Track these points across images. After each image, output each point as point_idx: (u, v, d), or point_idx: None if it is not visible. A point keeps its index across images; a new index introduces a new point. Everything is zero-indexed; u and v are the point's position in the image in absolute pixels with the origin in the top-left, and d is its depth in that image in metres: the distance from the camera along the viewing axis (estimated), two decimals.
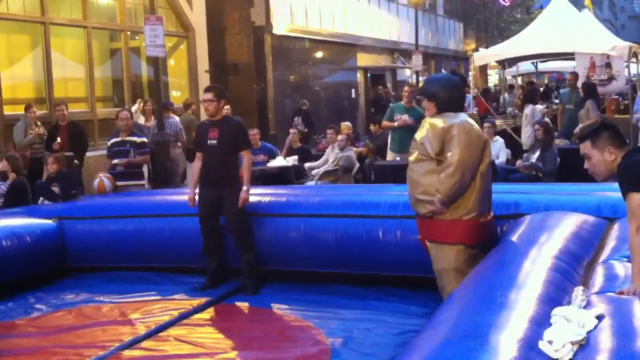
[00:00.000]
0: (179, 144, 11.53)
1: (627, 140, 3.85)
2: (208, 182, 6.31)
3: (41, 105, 12.05)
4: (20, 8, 12.31)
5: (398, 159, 9.19)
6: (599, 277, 3.71)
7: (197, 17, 16.23)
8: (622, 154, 3.47)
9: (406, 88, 10.29)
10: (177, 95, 16.07)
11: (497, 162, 9.71)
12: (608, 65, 15.63)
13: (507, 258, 4.21)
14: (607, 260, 4.00)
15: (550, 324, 2.96)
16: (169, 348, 4.95)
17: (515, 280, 3.60)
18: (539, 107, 13.92)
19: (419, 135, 4.81)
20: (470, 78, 16.01)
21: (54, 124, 10.31)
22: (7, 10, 11.94)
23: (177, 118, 11.80)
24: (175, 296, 6.16)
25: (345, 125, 11.95)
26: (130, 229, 6.96)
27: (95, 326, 5.48)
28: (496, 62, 17.66)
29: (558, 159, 9.47)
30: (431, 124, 4.75)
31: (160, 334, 5.24)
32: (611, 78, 15.64)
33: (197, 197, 6.38)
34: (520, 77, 23.69)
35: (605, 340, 2.71)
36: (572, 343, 2.76)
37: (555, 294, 3.44)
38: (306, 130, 15.79)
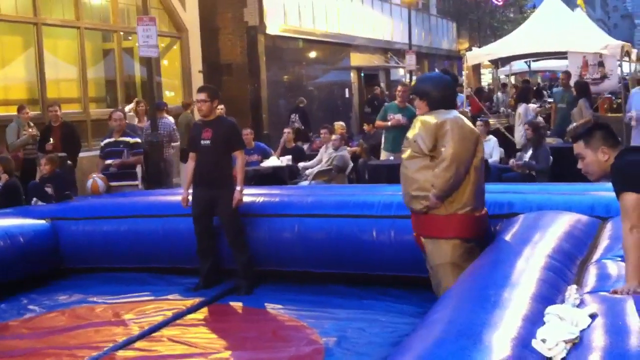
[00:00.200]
0: (172, 144, 11.51)
1: (620, 140, 3.86)
2: (202, 182, 6.30)
3: (34, 106, 12.01)
4: (13, 9, 12.27)
5: (392, 158, 9.20)
6: (592, 276, 3.72)
7: (190, 17, 16.21)
8: (615, 154, 3.48)
9: (400, 88, 10.30)
10: (170, 95, 16.05)
11: (490, 161, 9.72)
12: (601, 64, 15.68)
13: (500, 257, 4.22)
14: (601, 259, 4.01)
15: (544, 323, 2.97)
16: (162, 348, 4.94)
17: (509, 279, 3.60)
18: (532, 106, 13.95)
19: (411, 133, 4.82)
20: (464, 77, 16.03)
21: (47, 124, 10.29)
22: (0, 11, 11.90)
23: (170, 118, 11.78)
24: (169, 296, 6.15)
25: (339, 125, 11.96)
26: (124, 230, 6.94)
27: (88, 327, 5.46)
28: (489, 61, 17.67)
29: (551, 157, 9.49)
30: (423, 121, 4.76)
31: (154, 334, 5.23)
32: (604, 77, 15.69)
33: (190, 198, 6.37)
34: (514, 77, 23.73)
35: (598, 338, 2.72)
36: (566, 341, 2.76)
37: (549, 293, 3.45)
38: (303, 127, 15.81)
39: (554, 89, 16.64)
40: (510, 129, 13.08)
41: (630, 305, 2.99)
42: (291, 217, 6.32)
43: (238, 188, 6.22)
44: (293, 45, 20.34)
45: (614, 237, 4.28)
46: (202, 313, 5.79)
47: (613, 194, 3.43)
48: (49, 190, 7.74)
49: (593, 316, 2.93)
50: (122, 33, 14.54)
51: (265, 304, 5.92)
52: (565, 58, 17.21)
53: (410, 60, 22.58)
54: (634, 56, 14.70)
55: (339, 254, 6.08)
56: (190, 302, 5.96)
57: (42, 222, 7.00)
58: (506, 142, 11.84)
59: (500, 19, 36.13)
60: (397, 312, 5.45)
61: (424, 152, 4.69)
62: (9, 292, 6.38)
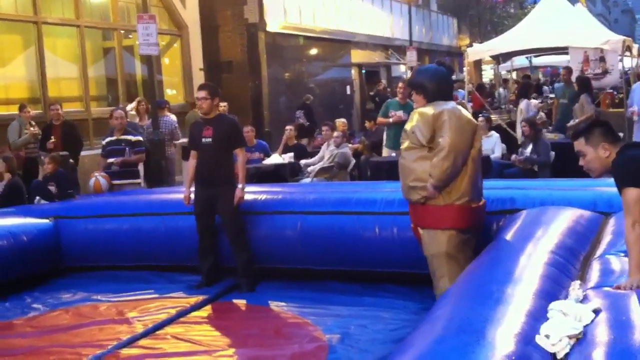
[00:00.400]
0: (174, 142, 11.51)
1: (621, 135, 3.87)
2: (203, 180, 6.30)
3: (35, 105, 12.02)
4: (13, 8, 12.28)
5: (393, 155, 9.19)
6: (595, 272, 3.72)
7: (191, 15, 16.20)
8: (616, 150, 3.48)
9: (401, 84, 10.28)
10: (171, 93, 16.06)
11: (492, 157, 9.73)
12: (602, 60, 15.64)
13: (503, 253, 4.23)
14: (603, 254, 4.01)
15: (547, 318, 2.97)
16: (166, 346, 4.95)
17: (511, 275, 3.61)
18: (534, 101, 13.93)
19: (409, 125, 4.82)
20: (465, 73, 16.00)
21: (48, 123, 10.30)
22: (0, 10, 11.90)
23: (172, 117, 11.78)
24: (172, 294, 6.17)
25: (341, 122, 11.95)
26: (126, 228, 6.96)
27: (92, 325, 5.47)
28: (490, 57, 17.64)
29: (552, 152, 9.49)
30: (420, 113, 4.76)
31: (158, 332, 5.25)
32: (605, 72, 15.65)
33: (192, 196, 6.38)
34: (515, 72, 23.70)
35: (602, 334, 2.72)
36: (569, 337, 2.77)
37: (552, 289, 3.45)
38: (308, 124, 15.82)
39: (556, 85, 16.63)
40: (512, 124, 13.06)
41: (633, 300, 2.99)
42: (293, 214, 6.32)
43: (239, 186, 6.22)
44: (293, 42, 20.33)
45: (617, 233, 4.28)
46: (206, 311, 5.80)
47: (615, 190, 3.43)
48: (51, 189, 7.76)
49: (596, 311, 2.93)
50: (122, 31, 14.54)
51: (268, 302, 5.93)
52: (567, 53, 17.16)
53: (411, 56, 22.56)
54: (635, 51, 14.66)
55: (341, 251, 6.09)
56: (193, 299, 5.97)
57: (45, 221, 7.01)
58: (508, 138, 11.83)
59: (501, 15, 36.09)
60: (399, 309, 5.46)
61: (422, 144, 4.69)
62: (13, 291, 6.40)
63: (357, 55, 23.91)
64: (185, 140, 11.25)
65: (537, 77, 27.90)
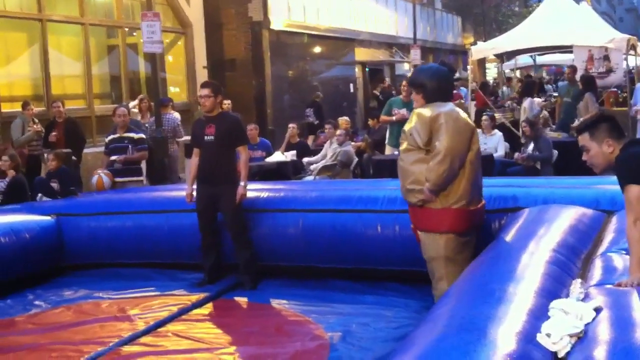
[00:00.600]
0: (177, 140, 11.51)
1: (626, 133, 3.85)
2: (205, 178, 6.30)
3: (39, 102, 12.04)
4: (17, 5, 12.29)
5: (396, 153, 9.12)
6: (597, 270, 3.71)
7: (195, 13, 16.20)
8: (620, 146, 3.47)
9: (404, 82, 10.26)
10: (175, 91, 16.06)
11: (495, 155, 9.73)
12: (606, 58, 15.63)
13: (505, 251, 4.22)
14: (605, 252, 4.00)
15: (549, 317, 2.96)
16: (168, 343, 4.95)
17: (513, 274, 3.60)
18: (538, 100, 13.91)
19: (407, 126, 4.78)
20: (469, 72, 16.00)
21: (51, 120, 10.31)
22: (4, 7, 11.91)
23: (176, 114, 11.77)
24: (174, 292, 6.17)
25: (344, 120, 11.94)
26: (128, 226, 6.96)
27: (94, 322, 5.48)
28: (494, 55, 17.62)
29: (555, 151, 9.49)
30: (418, 114, 4.72)
31: (160, 329, 5.25)
32: (609, 71, 15.64)
33: (194, 193, 6.38)
34: (519, 71, 23.68)
35: (603, 332, 2.71)
36: (570, 335, 2.76)
37: (554, 287, 3.44)
38: (317, 122, 15.80)
39: (560, 83, 16.60)
40: (516, 123, 13.05)
41: (635, 298, 2.98)
42: (295, 212, 6.32)
43: (242, 183, 6.22)
44: (297, 40, 20.32)
45: (619, 231, 4.27)
46: (207, 308, 5.80)
47: (618, 187, 3.42)
48: (54, 185, 7.76)
49: (598, 310, 2.92)
50: (126, 29, 14.54)
51: (270, 299, 5.92)
52: (571, 52, 17.15)
53: (415, 54, 22.53)
54: (639, 50, 14.64)
55: (343, 249, 6.08)
56: (195, 297, 5.97)
57: (47, 218, 7.02)
58: (511, 137, 11.81)
59: (506, 13, 36.04)
60: (401, 307, 5.46)
61: (420, 146, 4.65)
62: (15, 288, 6.40)
63: (361, 54, 23.89)
64: (188, 138, 11.28)
65: (540, 76, 27.88)
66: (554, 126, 12.55)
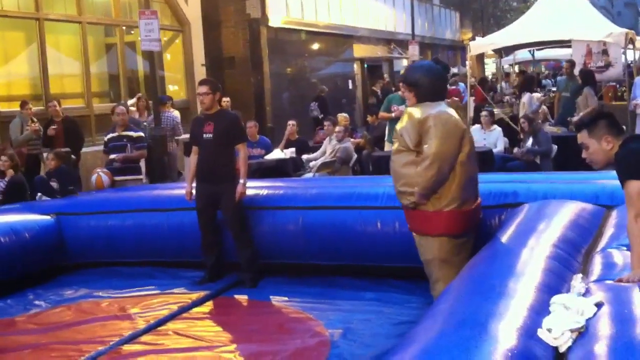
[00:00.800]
0: (176, 138, 11.51)
1: (624, 128, 3.84)
2: (204, 176, 6.29)
3: (37, 101, 12.02)
4: (15, 4, 12.27)
5: None
6: (597, 265, 3.71)
7: (193, 10, 16.18)
8: (619, 142, 3.47)
9: None
10: (173, 89, 16.04)
11: (495, 150, 9.72)
12: (605, 53, 15.60)
13: (505, 247, 4.21)
14: (606, 248, 4.00)
15: (549, 312, 2.96)
16: (168, 342, 4.95)
17: (514, 269, 3.59)
18: (537, 95, 13.90)
19: (399, 125, 4.68)
20: (467, 67, 15.98)
21: (50, 119, 10.31)
22: (2, 7, 11.88)
23: (175, 112, 11.77)
24: (174, 290, 6.16)
25: (343, 116, 11.93)
26: (128, 224, 6.95)
27: (94, 321, 5.48)
28: (493, 51, 17.60)
29: (555, 145, 9.49)
30: (409, 114, 4.63)
31: (160, 328, 5.25)
32: (608, 65, 15.61)
33: (194, 192, 6.37)
34: (517, 66, 23.66)
35: (604, 327, 2.71)
36: (571, 331, 2.76)
37: (554, 282, 3.44)
38: (322, 116, 15.80)
39: (558, 78, 16.58)
40: (515, 118, 13.03)
41: (636, 294, 2.98)
42: (295, 209, 6.32)
43: (241, 181, 6.21)
44: (296, 37, 20.30)
45: (619, 226, 4.26)
46: (208, 306, 5.80)
47: (617, 182, 3.42)
48: (54, 185, 7.76)
49: (599, 305, 2.92)
50: (124, 27, 14.53)
51: (270, 297, 5.92)
52: (569, 47, 17.12)
53: (413, 50, 22.52)
54: (638, 44, 14.60)
55: (343, 246, 6.07)
56: (195, 295, 5.97)
57: (47, 217, 7.01)
58: (510, 132, 11.80)
59: (504, 8, 36.01)
60: (402, 304, 5.45)
61: (410, 147, 4.56)
62: (15, 288, 6.40)
63: (360, 50, 23.87)
64: (187, 136, 11.26)
65: (538, 70, 27.87)
66: (552, 121, 12.54)
